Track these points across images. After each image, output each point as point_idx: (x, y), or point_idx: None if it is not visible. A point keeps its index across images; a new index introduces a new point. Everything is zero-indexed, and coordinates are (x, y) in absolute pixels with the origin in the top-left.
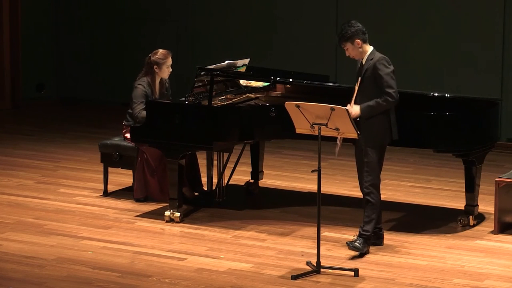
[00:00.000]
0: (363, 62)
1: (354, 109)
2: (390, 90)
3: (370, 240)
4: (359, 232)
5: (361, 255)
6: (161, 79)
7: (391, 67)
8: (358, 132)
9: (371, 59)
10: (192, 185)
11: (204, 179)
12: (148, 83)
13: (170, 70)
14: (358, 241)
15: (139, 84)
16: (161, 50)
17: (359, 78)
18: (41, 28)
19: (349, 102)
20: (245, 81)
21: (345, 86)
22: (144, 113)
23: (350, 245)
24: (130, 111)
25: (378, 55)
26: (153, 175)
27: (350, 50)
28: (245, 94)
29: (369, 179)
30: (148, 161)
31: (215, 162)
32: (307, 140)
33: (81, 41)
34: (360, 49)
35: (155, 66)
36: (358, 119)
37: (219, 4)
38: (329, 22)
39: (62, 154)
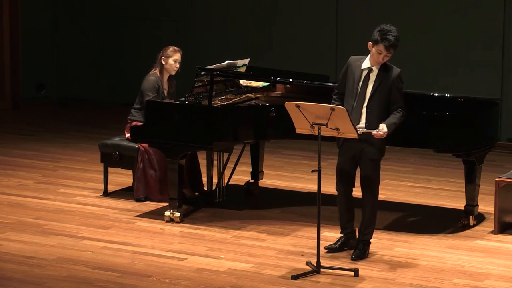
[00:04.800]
0: (374, 70)
1: (383, 128)
2: (403, 105)
3: (369, 243)
4: (359, 238)
5: None
6: (170, 78)
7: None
8: (358, 132)
9: (385, 70)
10: (193, 185)
11: (204, 179)
12: (158, 76)
13: (178, 66)
14: (359, 249)
15: (150, 76)
16: (172, 46)
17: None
18: (41, 28)
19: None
20: (245, 81)
21: None
22: None
23: (352, 257)
24: (136, 106)
25: (394, 68)
26: (153, 175)
27: (389, 56)
28: (245, 94)
29: (373, 191)
30: (148, 160)
31: (215, 162)
32: (307, 140)
33: (81, 41)
34: None
35: (162, 58)
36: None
37: (219, 3)
38: (329, 22)
39: (62, 154)
